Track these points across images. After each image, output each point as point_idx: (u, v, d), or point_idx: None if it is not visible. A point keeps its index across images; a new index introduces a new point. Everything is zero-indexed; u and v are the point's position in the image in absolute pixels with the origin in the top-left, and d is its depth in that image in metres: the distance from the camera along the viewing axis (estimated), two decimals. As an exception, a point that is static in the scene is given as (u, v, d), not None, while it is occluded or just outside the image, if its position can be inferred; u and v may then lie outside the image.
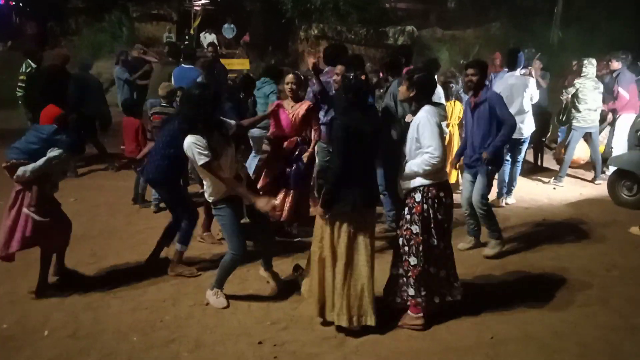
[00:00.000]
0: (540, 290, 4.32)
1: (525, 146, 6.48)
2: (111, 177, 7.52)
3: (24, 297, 4.11)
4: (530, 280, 4.52)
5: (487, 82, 7.11)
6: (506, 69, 7.65)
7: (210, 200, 3.87)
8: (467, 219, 5.06)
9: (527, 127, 6.26)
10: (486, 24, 15.85)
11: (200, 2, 18.20)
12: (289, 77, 5.09)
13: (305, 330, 3.69)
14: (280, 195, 5.05)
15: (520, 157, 6.48)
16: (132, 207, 6.21)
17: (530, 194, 6.85)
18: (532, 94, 6.32)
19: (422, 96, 3.66)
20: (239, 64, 14.86)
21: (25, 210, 3.94)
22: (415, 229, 3.61)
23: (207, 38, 16.64)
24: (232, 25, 17.29)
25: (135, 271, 4.56)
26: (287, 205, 5.04)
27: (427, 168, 3.52)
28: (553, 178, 7.43)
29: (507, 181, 6.43)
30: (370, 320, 3.57)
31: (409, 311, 3.71)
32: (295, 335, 3.63)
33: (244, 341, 3.56)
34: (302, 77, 5.33)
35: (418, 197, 3.60)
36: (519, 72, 6.39)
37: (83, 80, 7.55)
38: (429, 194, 3.59)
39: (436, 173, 3.59)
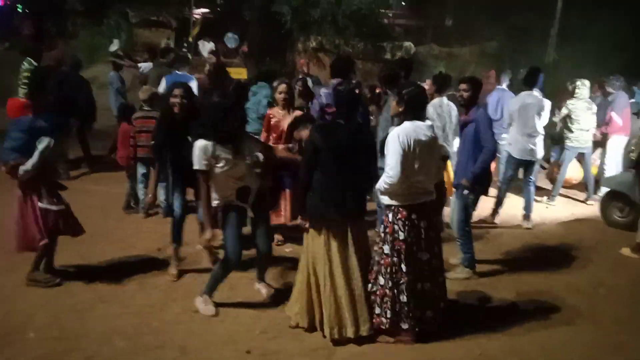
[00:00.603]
0: (529, 307, 4.32)
1: (536, 167, 6.39)
2: (102, 180, 7.46)
3: (6, 296, 4.05)
4: (519, 297, 4.50)
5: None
6: (500, 87, 7.71)
7: (214, 205, 3.86)
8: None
9: (539, 149, 6.19)
10: (482, 42, 16.03)
11: (199, 11, 18.27)
12: (282, 87, 5.15)
13: (294, 341, 3.65)
14: (281, 201, 5.07)
15: (533, 178, 6.35)
16: (123, 211, 6.15)
17: (522, 212, 6.85)
18: (544, 116, 6.29)
19: (409, 111, 3.57)
20: (236, 73, 14.85)
21: (41, 205, 4.02)
22: (386, 248, 3.57)
23: (206, 46, 16.68)
24: (236, 36, 17.38)
25: (123, 275, 4.51)
26: (287, 208, 5.06)
27: (385, 186, 3.49)
28: (546, 197, 7.45)
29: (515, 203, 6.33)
30: (350, 332, 3.54)
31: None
32: (284, 346, 3.59)
33: (231, 349, 3.52)
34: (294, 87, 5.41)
35: (390, 216, 3.57)
36: (535, 92, 6.25)
37: (64, 76, 7.53)
38: (399, 215, 3.53)
39: (408, 194, 3.53)
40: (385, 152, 3.54)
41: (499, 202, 6.34)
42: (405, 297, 3.53)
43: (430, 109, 5.26)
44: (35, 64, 7.64)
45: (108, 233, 5.49)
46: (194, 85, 7.13)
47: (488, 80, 8.24)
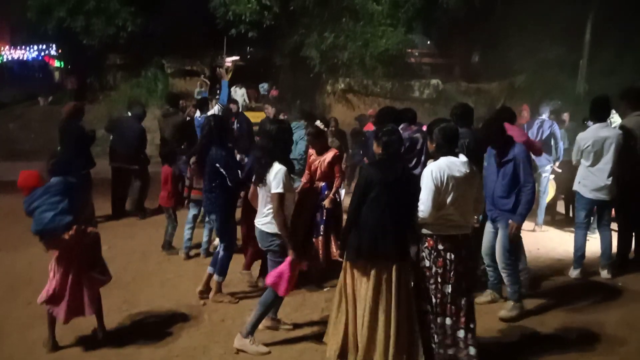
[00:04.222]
0: (578, 343, 4.19)
1: (611, 208, 5.82)
2: (143, 224, 7.68)
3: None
4: (567, 333, 4.38)
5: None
6: (541, 117, 7.57)
7: (272, 231, 3.97)
8: (488, 270, 4.91)
9: (615, 186, 5.60)
10: (511, 77, 16.05)
11: (231, 59, 18.94)
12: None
13: (337, 381, 3.63)
14: (317, 244, 5.14)
15: (609, 221, 5.77)
16: (163, 254, 6.29)
17: (562, 245, 6.71)
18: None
19: (441, 147, 3.64)
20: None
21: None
22: (420, 276, 3.70)
23: (237, 92, 17.20)
24: (266, 85, 18.08)
25: (166, 318, 4.59)
26: (322, 252, 5.12)
27: (417, 219, 3.60)
28: (586, 229, 7.26)
29: (580, 250, 5.70)
30: None
31: None
32: (327, 386, 3.57)
33: (274, 391, 3.52)
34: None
35: (420, 245, 3.70)
36: (608, 122, 5.79)
37: (119, 126, 7.98)
38: (426, 244, 3.64)
39: (437, 225, 3.59)
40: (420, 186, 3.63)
41: (579, 252, 5.72)
42: (441, 326, 3.62)
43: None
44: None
45: (150, 276, 5.61)
46: None
47: (521, 114, 8.14)
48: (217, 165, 4.76)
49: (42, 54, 26.93)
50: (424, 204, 3.53)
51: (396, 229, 3.60)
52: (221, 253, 4.90)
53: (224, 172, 4.74)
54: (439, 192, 3.52)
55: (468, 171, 3.61)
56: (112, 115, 8.34)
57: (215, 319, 4.58)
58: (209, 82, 13.81)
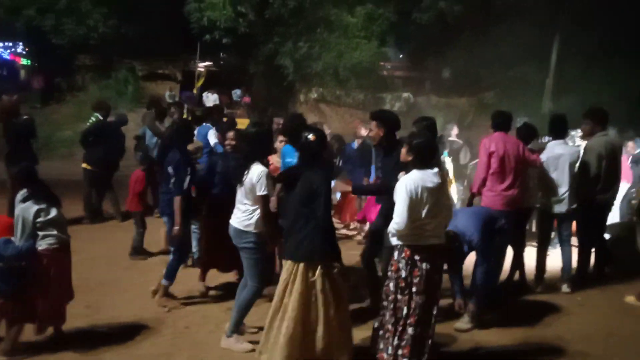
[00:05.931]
0: (537, 357, 4.28)
1: (571, 222, 5.93)
2: (111, 228, 7.53)
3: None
4: (528, 347, 4.46)
5: None
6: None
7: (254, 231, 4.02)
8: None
9: (569, 200, 5.70)
10: (480, 93, 16.46)
11: (204, 64, 18.84)
12: (280, 137, 5.42)
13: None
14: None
15: (569, 236, 5.86)
16: (129, 259, 6.18)
17: (526, 260, 6.85)
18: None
19: (418, 161, 3.70)
20: (239, 124, 15.20)
21: None
22: (391, 286, 3.73)
23: (210, 98, 17.12)
24: (239, 92, 18.06)
25: (130, 325, 4.51)
26: None
27: (391, 231, 3.68)
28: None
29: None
30: None
31: None
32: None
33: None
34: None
35: (395, 255, 3.73)
36: (568, 140, 5.93)
37: (101, 132, 7.67)
38: (403, 254, 3.68)
39: (413, 235, 3.65)
40: (395, 199, 3.68)
41: (540, 267, 5.89)
42: (406, 335, 3.66)
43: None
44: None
45: (115, 282, 5.51)
46: (212, 133, 7.34)
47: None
48: (169, 167, 4.88)
49: (8, 51, 26.26)
50: (400, 216, 3.58)
51: (299, 229, 3.64)
52: (171, 257, 4.93)
53: (173, 175, 4.82)
54: (414, 204, 3.58)
55: (440, 181, 3.70)
56: (82, 121, 8.05)
57: (179, 326, 4.53)
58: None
